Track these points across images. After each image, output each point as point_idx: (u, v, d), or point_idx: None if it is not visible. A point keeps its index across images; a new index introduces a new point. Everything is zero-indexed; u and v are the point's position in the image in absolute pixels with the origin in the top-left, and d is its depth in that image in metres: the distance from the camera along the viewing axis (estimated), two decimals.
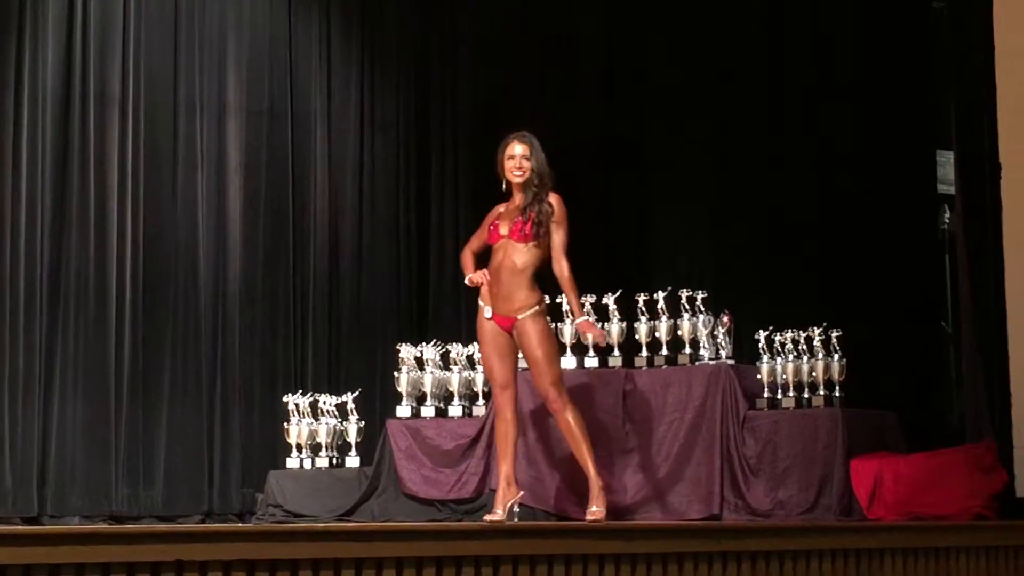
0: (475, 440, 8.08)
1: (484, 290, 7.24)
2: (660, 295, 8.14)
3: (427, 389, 8.34)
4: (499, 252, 7.23)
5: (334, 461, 8.46)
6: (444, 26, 10.16)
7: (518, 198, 7.23)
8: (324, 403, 8.55)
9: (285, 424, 8.53)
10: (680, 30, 9.95)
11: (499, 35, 10.16)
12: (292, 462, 8.48)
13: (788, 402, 7.74)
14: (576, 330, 7.67)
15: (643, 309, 8.16)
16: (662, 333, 8.09)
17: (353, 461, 8.45)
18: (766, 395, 7.79)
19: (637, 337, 8.14)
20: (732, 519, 7.50)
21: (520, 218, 7.23)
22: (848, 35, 9.45)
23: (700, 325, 8.02)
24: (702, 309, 8.04)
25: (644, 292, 8.20)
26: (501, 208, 7.33)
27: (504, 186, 7.28)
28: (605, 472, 7.60)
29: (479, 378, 8.28)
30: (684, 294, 8.12)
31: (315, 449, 8.48)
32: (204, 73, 9.34)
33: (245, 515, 8.60)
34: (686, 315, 8.07)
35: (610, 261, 9.54)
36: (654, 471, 7.80)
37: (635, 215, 10.08)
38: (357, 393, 8.58)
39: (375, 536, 5.97)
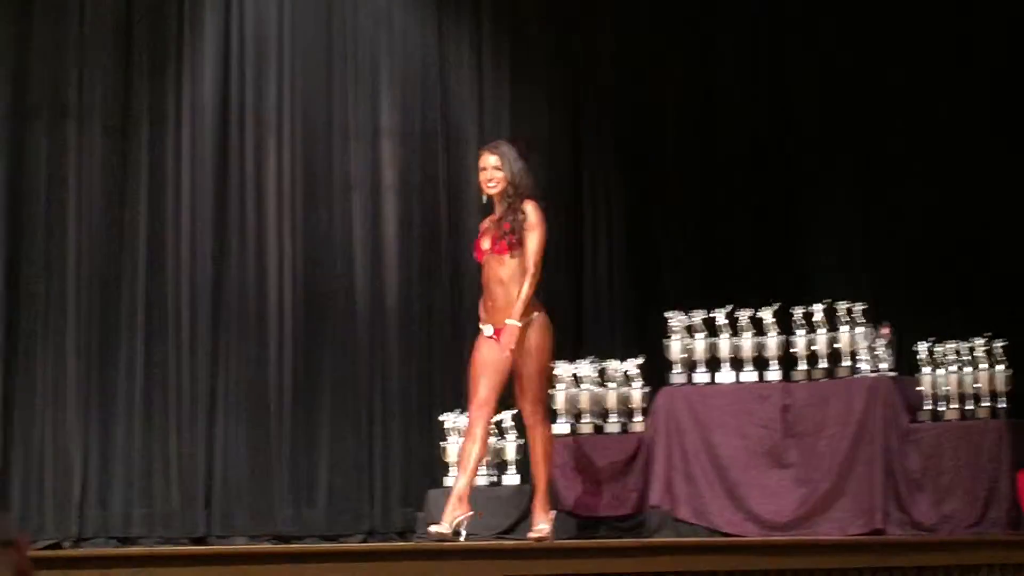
0: (633, 457, 8.06)
1: (481, 311, 7.16)
2: (817, 308, 8.05)
3: (584, 406, 8.34)
4: (486, 267, 7.24)
5: (493, 479, 8.49)
6: (593, 45, 10.18)
7: (498, 210, 7.19)
8: None
9: (442, 443, 8.58)
10: (818, 31, 9.89)
11: (644, 50, 10.16)
12: (450, 481, 8.53)
13: (951, 414, 7.61)
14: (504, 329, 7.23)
15: (800, 322, 8.08)
16: (820, 346, 8.00)
17: (512, 479, 8.47)
18: (928, 407, 7.67)
19: (794, 351, 8.06)
20: (896, 534, 7.39)
21: (498, 231, 7.17)
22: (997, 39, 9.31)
23: (859, 337, 7.91)
24: (861, 321, 7.94)
25: (801, 305, 8.12)
26: (486, 223, 7.29)
27: (485, 199, 7.24)
28: (761, 489, 7.54)
29: (636, 395, 8.26)
30: (842, 306, 8.02)
31: None
32: (357, 97, 9.45)
33: (406, 534, 8.65)
34: (844, 327, 7.97)
35: (766, 274, 9.47)
36: (815, 486, 7.72)
37: (790, 227, 10.00)
38: (515, 412, 8.61)
39: (535, 554, 6.00)
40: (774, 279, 9.32)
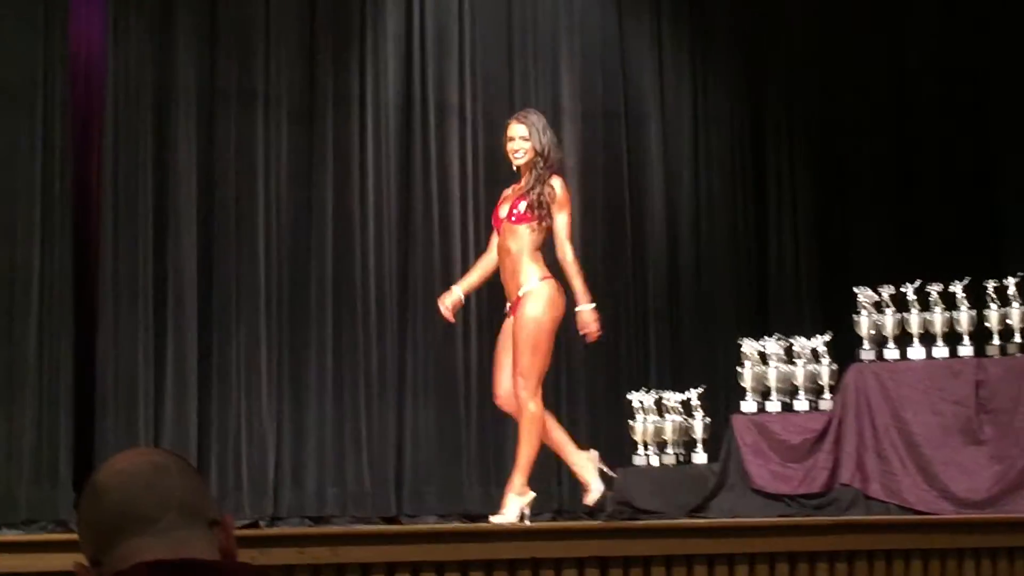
0: (823, 434, 7.96)
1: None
2: (1011, 281, 7.87)
3: (771, 383, 8.26)
4: (500, 236, 6.98)
5: (680, 458, 8.46)
6: (775, 16, 10.06)
7: (522, 180, 6.94)
8: (668, 400, 8.56)
9: (630, 421, 8.57)
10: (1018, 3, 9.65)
11: (831, 20, 10.01)
12: (638, 459, 8.53)
13: None
14: (577, 317, 6.97)
15: (993, 296, 7.90)
16: (1015, 320, 7.81)
17: (699, 457, 8.43)
18: None
19: (988, 324, 7.89)
20: None
21: (517, 201, 6.93)
22: None
23: None
24: None
25: (994, 278, 7.93)
26: (508, 191, 7.09)
27: (516, 169, 7.03)
28: (955, 466, 7.39)
29: (824, 372, 8.16)
30: None
31: (661, 446, 8.51)
32: (538, 78, 9.48)
33: (595, 513, 8.66)
34: None
35: (957, 247, 9.28)
36: (1011, 463, 7.55)
37: (981, 199, 9.78)
38: (702, 389, 8.56)
39: (727, 532, 5.96)
40: (965, 252, 9.13)
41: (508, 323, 6.93)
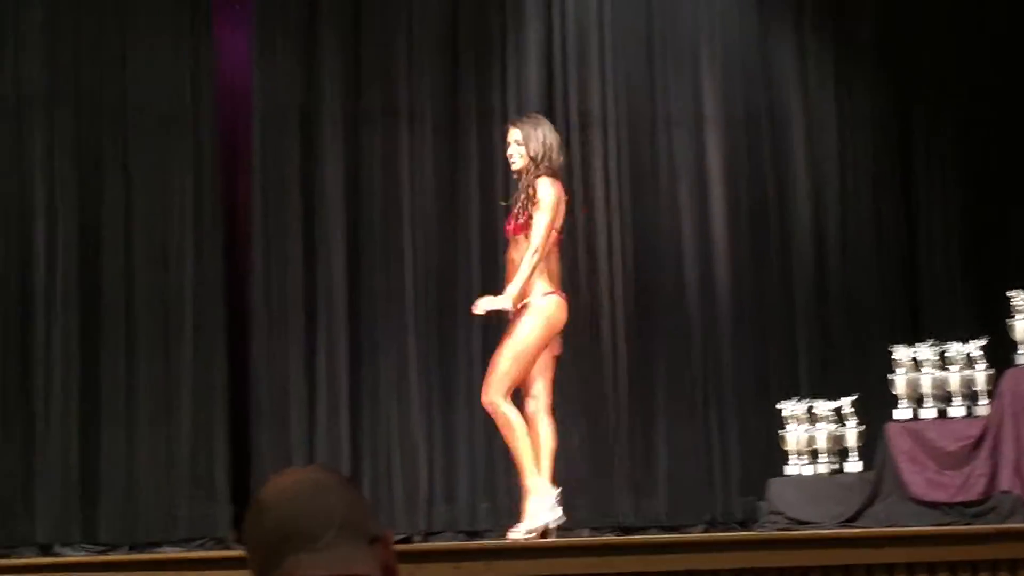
0: (980, 440, 7.80)
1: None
2: None
3: (925, 390, 8.13)
4: (510, 249, 6.90)
5: (833, 467, 8.35)
6: (919, 16, 9.89)
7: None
8: (819, 409, 8.45)
9: (781, 431, 8.48)
10: None
11: (977, 16, 9.83)
12: (791, 469, 8.42)
13: None
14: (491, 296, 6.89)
15: None
16: None
17: (853, 466, 8.31)
18: None
19: None
20: None
21: (513, 210, 6.82)
22: None
23: None
24: None
25: None
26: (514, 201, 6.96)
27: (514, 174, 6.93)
28: None
29: (980, 377, 8.00)
30: None
31: (813, 455, 8.40)
32: (679, 84, 9.42)
33: (748, 523, 8.59)
34: None
35: None
36: None
37: None
38: (854, 397, 8.44)
39: (884, 541, 5.88)
40: None
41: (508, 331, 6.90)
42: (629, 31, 9.34)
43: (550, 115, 9.12)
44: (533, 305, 6.74)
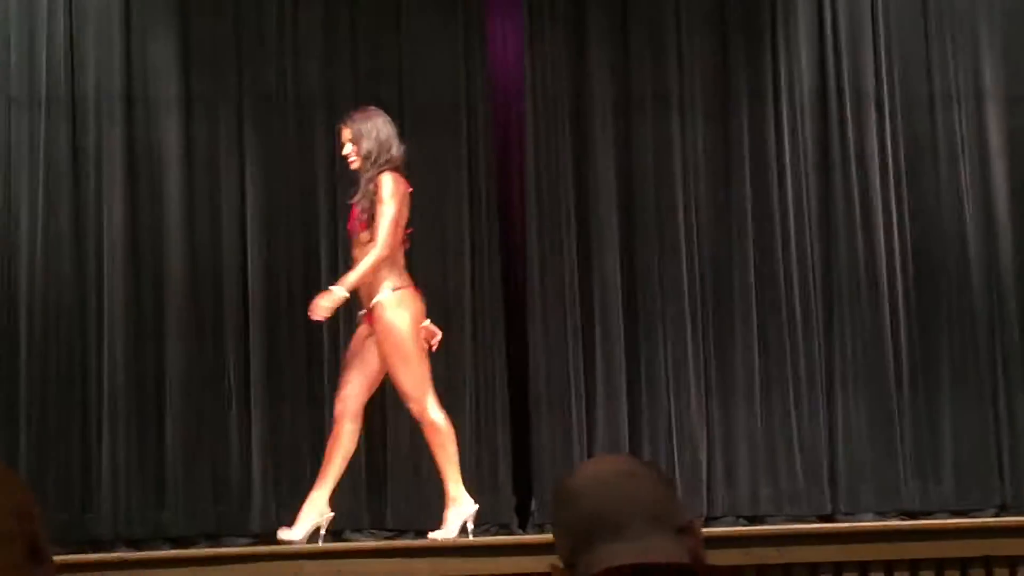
0: None
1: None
2: None
3: None
4: (351, 247, 6.81)
5: None
6: None
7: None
8: None
9: None
10: None
11: None
12: None
13: None
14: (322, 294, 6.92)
15: None
16: None
17: None
18: None
19: None
20: None
21: (354, 207, 6.70)
22: None
23: None
24: None
25: None
26: (355, 199, 6.90)
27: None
28: None
29: None
30: None
31: None
32: (958, 61, 9.16)
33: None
34: None
35: None
36: None
37: None
38: None
39: None
40: None
41: (360, 332, 6.92)
42: (904, 6, 9.12)
43: (823, 95, 9.00)
44: (387, 305, 6.79)
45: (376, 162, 6.90)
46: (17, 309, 8.06)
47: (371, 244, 6.81)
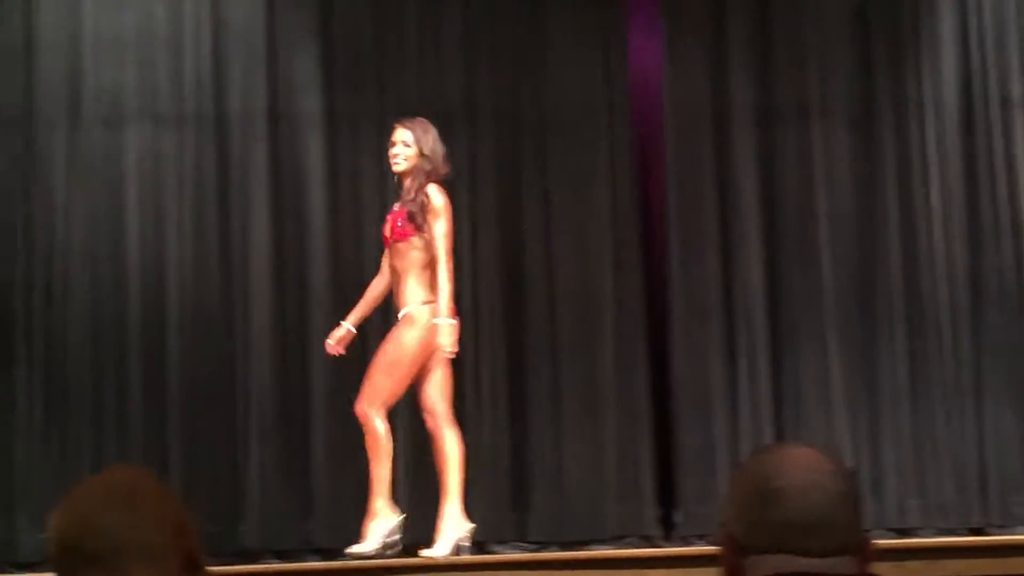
0: None
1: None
2: None
3: None
4: (389, 256, 6.75)
5: None
6: None
7: (403, 191, 6.65)
8: None
9: None
10: None
11: None
12: None
13: None
14: (433, 330, 6.82)
15: None
16: None
17: None
18: None
19: None
20: None
21: (398, 214, 6.59)
22: None
23: None
24: None
25: None
26: (396, 206, 6.76)
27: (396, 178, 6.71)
28: None
29: None
30: None
31: None
32: None
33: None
34: None
35: None
36: None
37: None
38: None
39: None
40: None
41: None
42: None
43: (968, 101, 8.84)
44: (412, 315, 6.73)
45: (426, 171, 6.87)
46: (166, 323, 8.20)
47: (416, 252, 6.78)
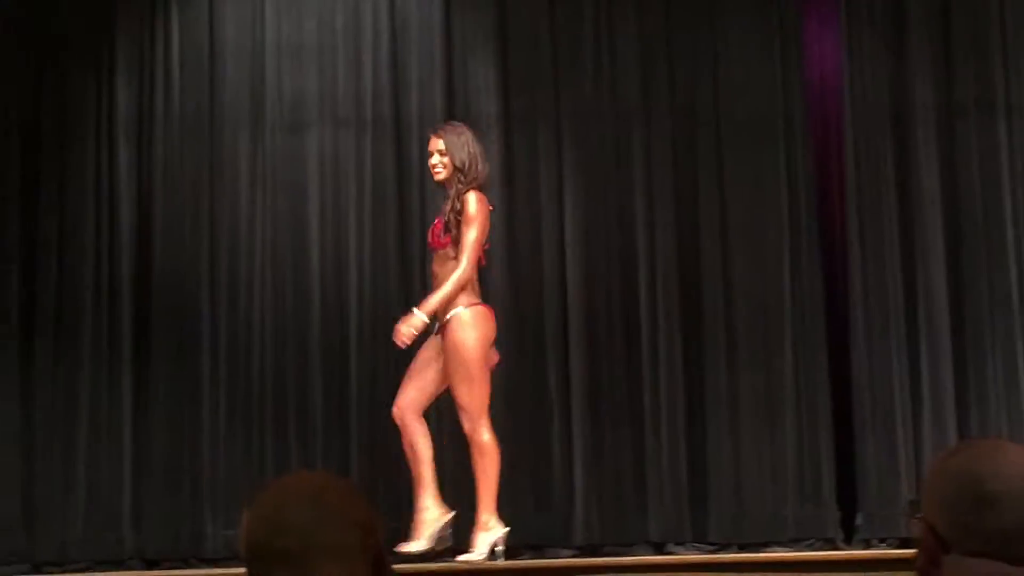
0: None
1: None
2: None
3: None
4: (432, 262, 6.72)
5: None
6: None
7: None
8: None
9: None
10: None
11: None
12: None
13: None
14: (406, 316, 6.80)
15: None
16: None
17: None
18: None
19: None
20: None
21: (438, 222, 6.58)
22: None
23: None
24: None
25: None
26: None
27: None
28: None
29: None
30: None
31: None
32: None
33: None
34: None
35: None
36: None
37: None
38: None
39: None
40: None
41: (431, 341, 6.86)
42: None
43: None
44: (461, 320, 6.72)
45: (465, 178, 6.84)
46: (348, 322, 8.31)
47: (453, 261, 6.76)
